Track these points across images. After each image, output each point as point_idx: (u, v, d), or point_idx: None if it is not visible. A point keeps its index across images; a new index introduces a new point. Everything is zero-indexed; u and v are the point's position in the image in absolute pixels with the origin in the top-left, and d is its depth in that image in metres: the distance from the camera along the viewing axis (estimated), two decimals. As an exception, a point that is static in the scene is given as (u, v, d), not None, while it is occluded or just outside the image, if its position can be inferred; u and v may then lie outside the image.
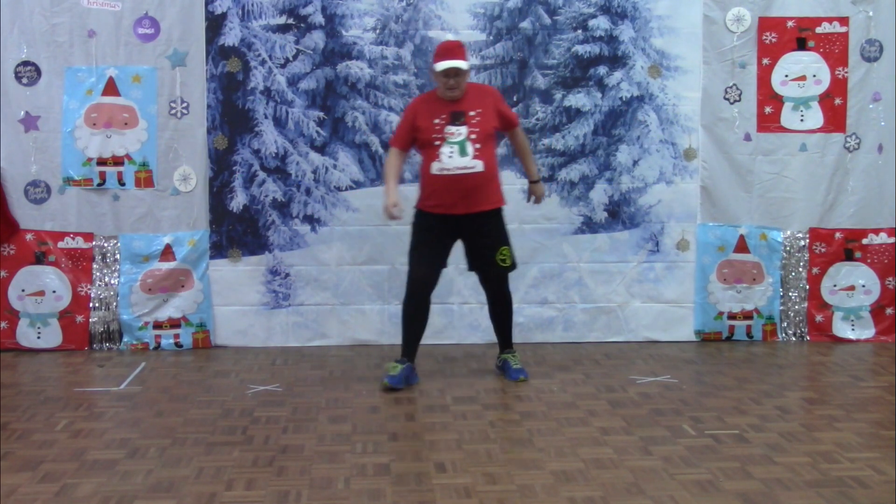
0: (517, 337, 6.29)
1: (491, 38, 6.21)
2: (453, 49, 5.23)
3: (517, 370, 5.47)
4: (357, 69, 6.12)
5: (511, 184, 6.25)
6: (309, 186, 6.14)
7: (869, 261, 6.39)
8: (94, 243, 6.16)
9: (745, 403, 5.00)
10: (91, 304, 6.16)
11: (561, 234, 6.32)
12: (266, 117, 6.13)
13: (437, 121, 5.19)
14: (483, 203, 5.25)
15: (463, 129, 5.17)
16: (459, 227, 5.28)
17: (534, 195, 5.65)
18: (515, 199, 6.27)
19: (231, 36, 6.08)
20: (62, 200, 6.11)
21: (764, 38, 6.26)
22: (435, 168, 5.19)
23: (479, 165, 5.17)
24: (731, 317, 6.36)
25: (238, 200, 6.17)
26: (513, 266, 5.41)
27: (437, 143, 5.17)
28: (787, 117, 6.32)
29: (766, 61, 6.28)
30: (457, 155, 5.15)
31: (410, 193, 6.25)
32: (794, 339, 6.40)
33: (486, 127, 5.21)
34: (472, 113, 5.20)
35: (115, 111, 6.09)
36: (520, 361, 5.55)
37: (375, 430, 4.62)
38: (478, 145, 5.17)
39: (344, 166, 6.18)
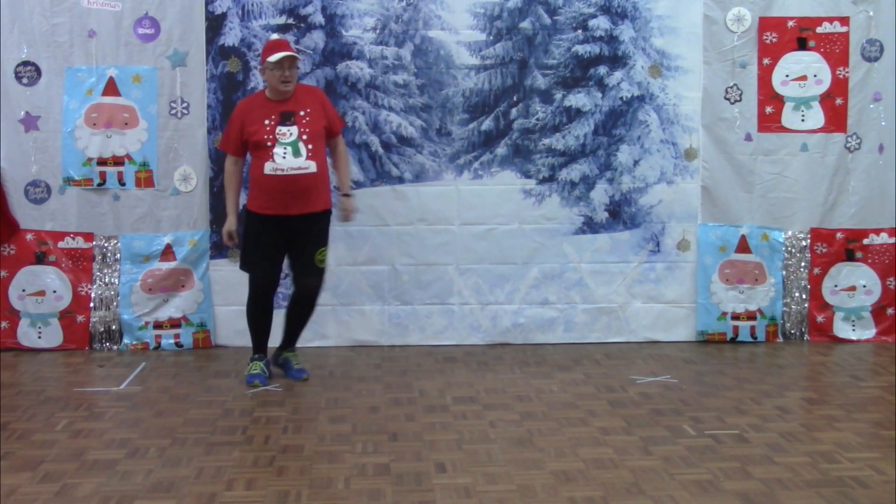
0: (518, 337, 6.31)
1: (491, 38, 6.20)
2: (284, 43, 5.33)
3: (299, 370, 5.52)
4: (357, 69, 6.12)
5: (511, 184, 6.27)
6: (238, 199, 6.10)
7: (870, 261, 6.38)
8: (94, 243, 6.16)
9: (745, 403, 5.00)
10: (91, 304, 6.16)
11: (561, 235, 6.32)
12: (266, 117, 6.12)
13: (267, 122, 5.22)
14: (315, 204, 5.29)
15: (294, 129, 5.21)
16: (290, 227, 5.28)
17: (343, 210, 5.57)
18: (516, 200, 6.29)
19: (231, 36, 6.08)
20: (62, 200, 6.11)
21: (764, 37, 6.26)
22: (268, 168, 5.19)
23: (312, 166, 5.21)
24: (735, 317, 6.35)
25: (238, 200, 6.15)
26: (325, 268, 5.46)
27: (269, 143, 5.20)
28: (788, 117, 6.31)
29: (766, 61, 6.27)
30: (290, 155, 5.18)
31: (415, 191, 6.26)
32: (794, 339, 6.39)
33: (315, 126, 5.25)
34: (301, 113, 5.25)
35: (115, 111, 6.08)
36: (300, 361, 5.61)
37: (375, 430, 4.62)
38: (310, 145, 5.22)
39: (344, 166, 6.17)
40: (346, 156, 5.62)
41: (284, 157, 5.17)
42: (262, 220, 5.29)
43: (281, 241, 5.35)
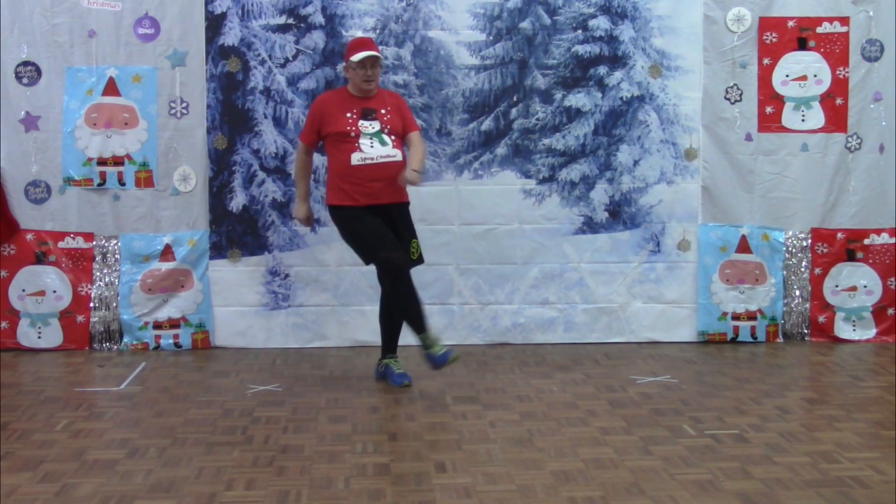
0: (518, 337, 6.31)
1: (491, 38, 6.20)
2: (369, 42, 5.33)
3: (401, 374, 5.39)
4: (357, 69, 6.12)
5: (511, 184, 6.27)
6: (310, 187, 6.11)
7: (870, 261, 6.38)
8: (94, 243, 6.16)
9: (746, 403, 5.00)
10: (91, 304, 6.16)
11: (562, 235, 6.32)
12: (266, 117, 6.13)
13: (349, 115, 5.23)
14: (403, 193, 5.30)
15: (375, 124, 5.22)
16: (382, 216, 5.21)
17: (404, 179, 5.28)
18: (516, 200, 6.29)
19: (231, 36, 6.08)
20: (62, 200, 6.12)
21: (764, 37, 6.26)
22: (356, 159, 5.17)
23: (398, 155, 5.23)
24: (735, 317, 6.35)
25: (238, 200, 6.17)
26: (420, 260, 5.36)
27: (354, 134, 5.19)
28: (788, 117, 6.31)
29: (766, 61, 6.27)
30: (378, 145, 5.19)
31: (415, 191, 6.25)
32: (795, 339, 6.39)
33: (395, 124, 5.27)
34: (382, 111, 5.27)
35: (115, 111, 6.09)
36: (402, 366, 5.46)
37: (375, 430, 4.62)
38: (393, 137, 5.24)
39: (344, 166, 6.17)
40: (422, 146, 5.42)
41: (372, 147, 5.18)
42: (356, 209, 5.21)
43: (384, 222, 5.22)
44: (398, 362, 5.47)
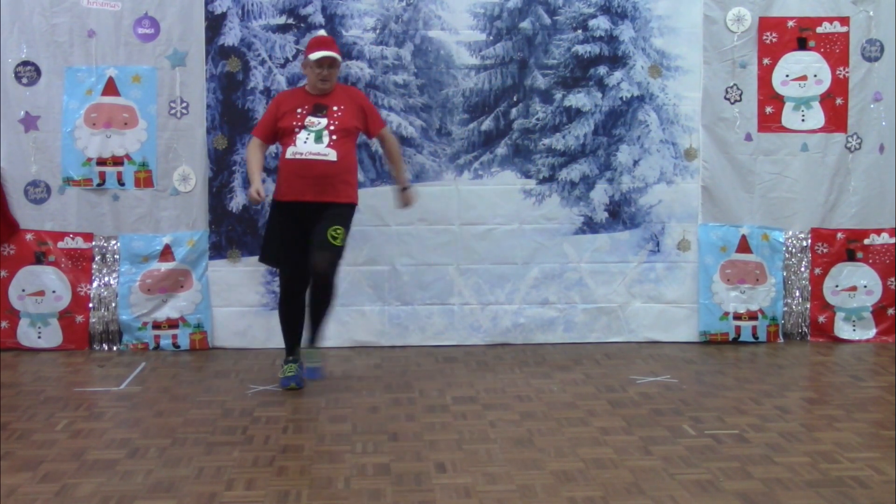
0: (518, 337, 6.30)
1: (491, 38, 6.20)
2: (328, 42, 5.33)
3: (312, 369, 5.37)
4: (357, 69, 6.12)
5: (511, 184, 6.27)
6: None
7: (871, 261, 6.38)
8: (93, 243, 6.16)
9: (745, 403, 5.00)
10: (91, 304, 6.16)
11: (561, 235, 6.32)
12: (266, 117, 6.12)
13: (299, 110, 5.25)
14: (333, 195, 5.21)
15: (323, 121, 5.22)
16: (308, 217, 5.20)
17: (402, 202, 5.54)
18: (516, 200, 6.29)
19: (231, 36, 6.08)
20: (62, 200, 6.11)
21: (764, 37, 6.26)
22: (289, 152, 5.20)
23: (332, 154, 5.18)
24: (737, 317, 6.34)
25: (237, 201, 6.16)
26: (341, 248, 5.19)
27: (296, 129, 5.21)
28: (788, 117, 6.31)
29: (766, 61, 6.27)
30: (312, 141, 5.19)
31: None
32: (795, 339, 6.38)
33: (346, 122, 5.25)
34: (334, 108, 5.26)
35: (114, 111, 6.08)
36: (320, 360, 5.44)
37: (375, 430, 4.62)
38: (335, 136, 5.20)
39: (344, 166, 6.17)
40: (397, 149, 5.56)
41: (305, 143, 5.18)
42: (282, 207, 5.26)
43: (301, 233, 5.22)
44: (314, 354, 5.38)
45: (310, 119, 5.22)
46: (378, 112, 5.60)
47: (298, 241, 5.21)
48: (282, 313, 5.42)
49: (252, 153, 5.39)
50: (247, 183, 6.14)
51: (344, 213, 5.26)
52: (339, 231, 5.15)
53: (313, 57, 5.21)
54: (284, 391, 5.25)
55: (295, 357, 5.37)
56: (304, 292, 5.29)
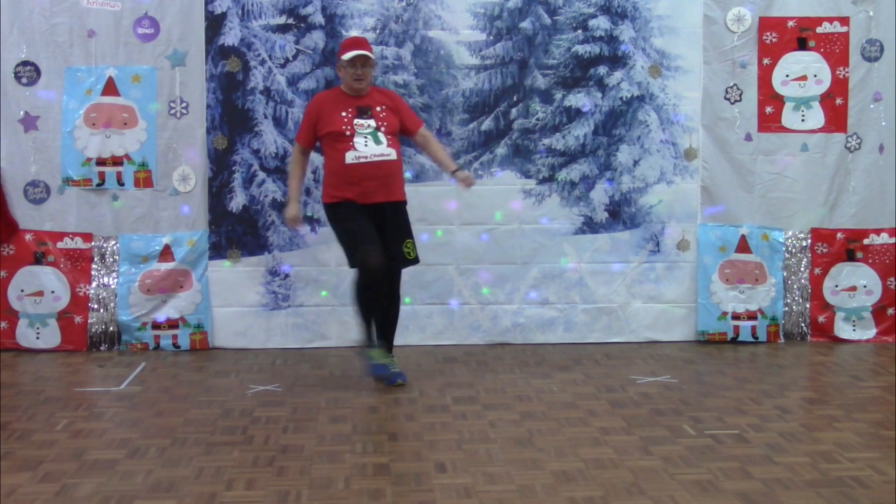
0: (518, 337, 6.31)
1: (491, 38, 6.20)
2: (361, 42, 5.35)
3: (396, 373, 5.37)
4: (357, 69, 6.11)
5: (511, 184, 6.27)
6: (309, 186, 6.12)
7: (870, 261, 6.38)
8: (93, 244, 6.15)
9: (745, 403, 4.99)
10: (90, 305, 6.16)
11: (561, 234, 6.32)
12: (266, 117, 6.13)
13: (344, 114, 5.25)
14: (398, 192, 5.31)
15: (371, 122, 5.24)
16: (376, 216, 5.23)
17: (462, 181, 5.47)
18: (517, 200, 6.28)
19: (231, 36, 6.07)
20: (61, 200, 6.11)
21: (764, 38, 6.26)
22: (350, 157, 5.19)
23: (393, 153, 5.24)
24: (735, 317, 6.34)
25: (237, 201, 6.16)
26: (416, 260, 5.41)
27: (349, 133, 5.21)
28: (788, 117, 6.31)
29: (766, 61, 6.27)
30: (372, 143, 5.20)
31: (415, 191, 6.24)
32: (795, 339, 6.39)
33: (391, 122, 5.28)
34: (377, 108, 5.28)
35: (114, 111, 6.08)
36: (397, 364, 5.45)
37: (375, 430, 4.62)
38: (389, 136, 5.25)
39: (344, 166, 6.17)
40: (437, 142, 5.62)
41: (366, 145, 5.19)
42: (349, 206, 5.23)
43: (373, 225, 5.24)
44: (392, 360, 5.43)
45: (357, 122, 5.23)
46: (412, 112, 5.59)
47: (373, 230, 5.23)
48: (369, 299, 5.27)
49: (296, 166, 5.47)
50: (247, 182, 6.16)
51: (407, 218, 5.39)
52: (410, 244, 5.36)
53: (346, 57, 5.22)
54: (284, 391, 5.25)
55: (380, 342, 5.40)
56: (385, 277, 5.25)
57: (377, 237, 5.23)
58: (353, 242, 5.26)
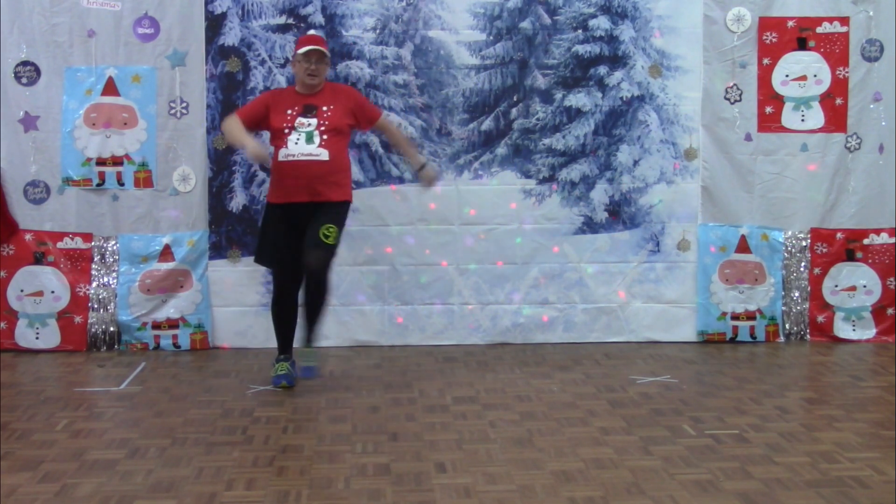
0: (517, 337, 6.30)
1: (491, 38, 6.20)
2: (316, 38, 5.36)
3: (306, 368, 5.34)
4: (357, 69, 6.12)
5: (511, 184, 6.27)
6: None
7: (870, 261, 6.38)
8: (93, 244, 6.15)
9: (745, 403, 5.00)
10: (90, 305, 6.15)
11: (561, 234, 6.32)
12: (266, 117, 6.12)
13: (289, 111, 5.25)
14: (327, 194, 5.21)
15: (313, 121, 5.22)
16: (302, 218, 5.20)
17: (425, 180, 5.54)
18: (516, 200, 6.28)
19: (231, 36, 6.07)
20: (61, 200, 6.11)
21: (764, 37, 6.26)
22: (281, 154, 5.20)
23: (324, 154, 5.18)
24: (735, 317, 6.34)
25: (237, 201, 6.16)
26: (334, 246, 5.17)
27: (287, 131, 5.21)
28: (788, 117, 6.31)
29: (766, 61, 6.27)
30: (303, 142, 5.18)
31: (415, 191, 6.25)
32: (794, 339, 6.39)
33: (336, 122, 5.24)
34: (324, 108, 5.26)
35: (114, 111, 6.08)
36: (316, 359, 5.42)
37: (375, 430, 4.62)
38: (325, 136, 5.20)
39: (344, 166, 6.16)
40: (400, 133, 5.60)
41: (297, 143, 5.18)
42: (276, 209, 5.27)
43: (296, 234, 5.22)
44: (309, 353, 5.34)
45: (300, 120, 5.22)
46: (371, 104, 5.55)
47: (292, 242, 5.21)
48: (274, 312, 5.44)
49: (231, 122, 5.31)
50: (247, 182, 6.16)
51: (337, 210, 5.26)
52: (331, 229, 5.14)
53: (302, 50, 5.22)
54: (284, 391, 5.25)
55: (287, 356, 5.41)
56: (297, 292, 5.31)
57: (292, 249, 5.19)
58: (268, 250, 5.33)
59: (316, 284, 5.18)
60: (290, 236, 5.22)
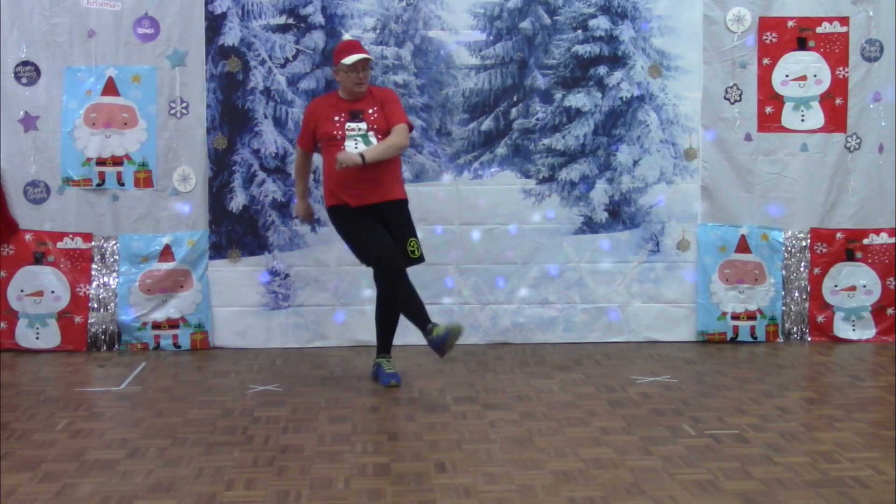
0: (518, 337, 6.31)
1: (491, 38, 6.20)
2: (357, 45, 5.34)
3: (390, 374, 5.39)
4: (357, 69, 6.11)
5: (511, 184, 6.27)
6: (309, 186, 6.11)
7: (870, 261, 6.38)
8: (93, 244, 6.15)
9: (745, 403, 5.00)
10: (90, 305, 6.16)
11: (561, 234, 6.32)
12: (266, 117, 6.13)
13: (336, 119, 5.25)
14: (394, 192, 5.28)
15: (363, 125, 5.23)
16: (375, 217, 5.24)
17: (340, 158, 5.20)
18: (516, 200, 6.29)
19: (231, 36, 6.07)
20: (61, 200, 6.11)
21: (764, 38, 6.26)
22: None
23: None
24: (735, 317, 6.34)
25: (237, 200, 6.17)
26: (421, 258, 5.32)
27: (339, 137, 5.22)
28: (788, 117, 6.31)
29: (766, 61, 6.27)
30: (362, 146, 5.18)
31: (415, 191, 6.24)
32: (794, 339, 6.39)
33: (383, 123, 5.26)
34: (370, 111, 5.27)
35: (114, 111, 6.08)
36: (394, 366, 5.46)
37: (375, 430, 4.62)
38: (379, 136, 5.22)
39: (344, 166, 6.16)
40: (396, 138, 5.19)
41: (356, 148, 5.17)
42: (346, 210, 5.25)
43: (380, 225, 5.24)
44: (390, 362, 5.48)
45: (349, 126, 5.23)
46: (401, 111, 5.36)
47: (381, 228, 5.22)
48: (387, 309, 5.40)
49: (299, 167, 5.56)
50: (247, 182, 6.17)
51: (409, 217, 5.35)
52: (413, 243, 5.29)
53: (348, 61, 5.19)
54: (284, 391, 5.25)
55: (388, 354, 5.52)
56: (407, 277, 5.18)
57: (384, 232, 5.21)
58: (362, 242, 5.25)
59: (404, 289, 5.20)
60: (377, 225, 5.22)
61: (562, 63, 6.23)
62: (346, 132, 5.22)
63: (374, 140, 5.21)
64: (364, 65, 5.23)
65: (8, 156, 6.06)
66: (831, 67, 6.27)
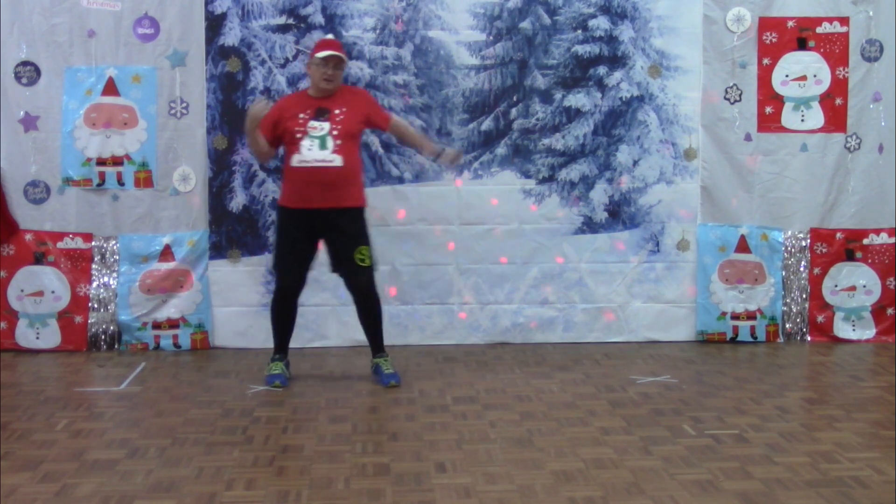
0: (518, 337, 6.31)
1: (491, 38, 6.20)
2: (335, 44, 5.37)
3: (389, 375, 5.38)
4: (357, 69, 6.12)
5: (510, 184, 6.27)
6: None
7: (870, 261, 6.38)
8: (93, 243, 6.15)
9: (745, 403, 5.00)
10: (90, 305, 6.16)
11: (561, 234, 6.32)
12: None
13: (301, 115, 5.26)
14: (341, 199, 5.25)
15: (326, 125, 5.23)
16: (319, 224, 5.27)
17: (447, 161, 5.61)
18: (515, 200, 6.29)
19: (231, 36, 6.07)
20: (61, 200, 6.11)
21: (764, 38, 6.26)
22: (295, 160, 5.23)
23: (337, 160, 5.20)
24: (735, 317, 6.34)
25: (238, 200, 6.16)
26: (372, 266, 5.35)
27: (299, 136, 5.22)
28: (788, 117, 6.31)
29: (766, 61, 6.27)
30: (316, 148, 5.20)
31: (415, 191, 6.24)
32: (794, 339, 6.39)
33: (349, 126, 5.26)
34: (336, 111, 5.26)
35: (114, 111, 6.08)
36: (392, 366, 5.46)
37: (375, 430, 4.62)
38: (339, 141, 5.21)
39: (344, 166, 6.16)
40: (410, 129, 5.61)
41: (310, 150, 5.19)
42: (291, 215, 5.30)
43: (309, 240, 5.34)
44: (388, 362, 5.47)
45: (312, 124, 5.23)
46: (380, 107, 5.58)
47: (304, 248, 5.35)
48: (274, 312, 5.52)
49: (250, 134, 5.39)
50: (247, 182, 6.17)
51: (359, 225, 5.33)
52: (363, 251, 5.30)
53: (320, 55, 5.24)
54: (284, 391, 5.26)
55: (282, 356, 5.49)
56: (298, 298, 5.48)
57: (303, 260, 5.37)
58: (278, 254, 5.42)
59: (367, 301, 5.40)
60: (305, 242, 5.34)
61: (562, 63, 6.23)
62: (308, 130, 5.22)
63: (330, 143, 5.20)
64: (336, 62, 5.24)
65: (8, 156, 6.06)
66: (831, 67, 6.27)
